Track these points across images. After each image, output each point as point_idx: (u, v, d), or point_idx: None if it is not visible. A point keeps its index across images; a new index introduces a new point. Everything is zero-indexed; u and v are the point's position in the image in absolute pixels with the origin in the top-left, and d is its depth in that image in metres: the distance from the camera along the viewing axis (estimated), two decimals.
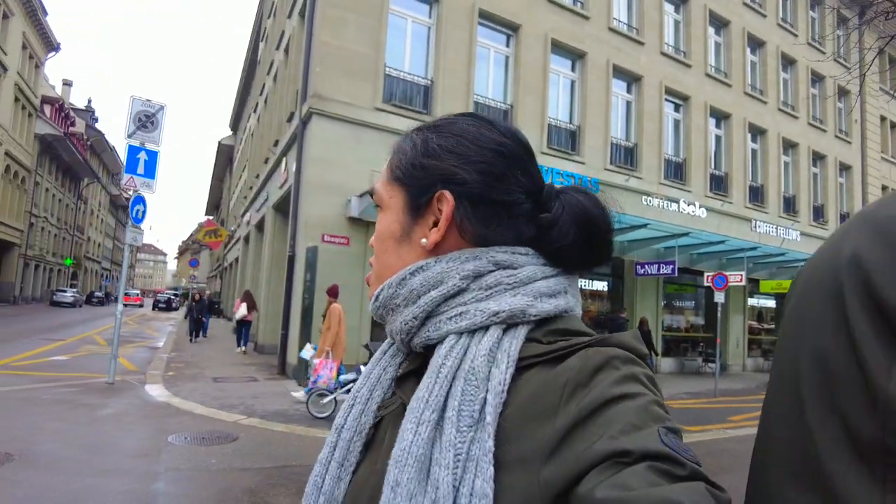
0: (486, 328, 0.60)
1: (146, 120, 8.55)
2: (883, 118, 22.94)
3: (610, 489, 0.43)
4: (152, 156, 8.61)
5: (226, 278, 39.87)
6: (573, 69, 13.97)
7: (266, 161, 16.17)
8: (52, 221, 44.33)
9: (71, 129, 44.58)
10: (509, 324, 0.60)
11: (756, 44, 18.29)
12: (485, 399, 0.54)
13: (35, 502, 3.77)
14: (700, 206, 15.33)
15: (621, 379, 0.51)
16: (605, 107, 14.02)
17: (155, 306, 47.90)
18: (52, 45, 37.71)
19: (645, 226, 11.87)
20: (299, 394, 7.93)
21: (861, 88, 17.65)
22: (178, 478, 4.51)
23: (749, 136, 17.57)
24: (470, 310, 0.61)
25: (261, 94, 20.26)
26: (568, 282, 0.67)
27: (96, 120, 56.77)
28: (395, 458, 0.54)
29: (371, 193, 0.74)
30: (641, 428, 0.47)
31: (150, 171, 8.55)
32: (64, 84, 49.43)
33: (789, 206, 18.65)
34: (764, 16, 18.40)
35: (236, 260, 29.73)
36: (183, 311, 49.69)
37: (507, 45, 12.91)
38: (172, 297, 50.33)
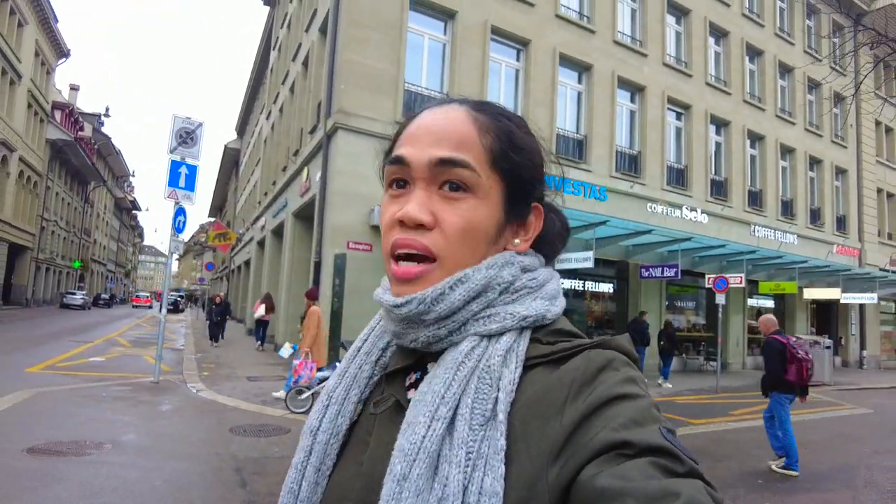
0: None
1: (186, 136, 9.20)
2: (878, 122, 23.57)
3: (611, 479, 0.46)
4: (192, 170, 9.26)
5: (233, 280, 40.44)
6: (580, 81, 14.62)
7: (284, 169, 16.80)
8: (62, 225, 44.96)
9: (80, 133, 45.22)
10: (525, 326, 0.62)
11: (754, 53, 18.95)
12: (496, 398, 0.55)
13: (144, 482, 4.41)
14: (701, 212, 15.98)
15: (623, 380, 0.54)
16: (611, 116, 14.67)
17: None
18: (62, 52, 38.33)
19: (650, 231, 12.54)
20: (279, 392, 8.21)
21: (856, 94, 18.27)
22: (254, 463, 5.15)
23: (748, 142, 18.23)
24: (500, 313, 0.62)
25: (274, 103, 20.88)
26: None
27: (102, 124, 57.32)
28: (405, 451, 0.53)
29: (455, 162, 0.62)
30: (642, 425, 0.49)
31: (191, 184, 9.20)
32: (71, 89, 49.96)
33: (787, 209, 19.31)
34: (762, 26, 19.06)
35: (246, 263, 30.36)
36: (189, 312, 50.44)
37: (518, 60, 13.56)
38: (179, 299, 50.85)
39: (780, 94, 19.71)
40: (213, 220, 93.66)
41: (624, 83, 15.19)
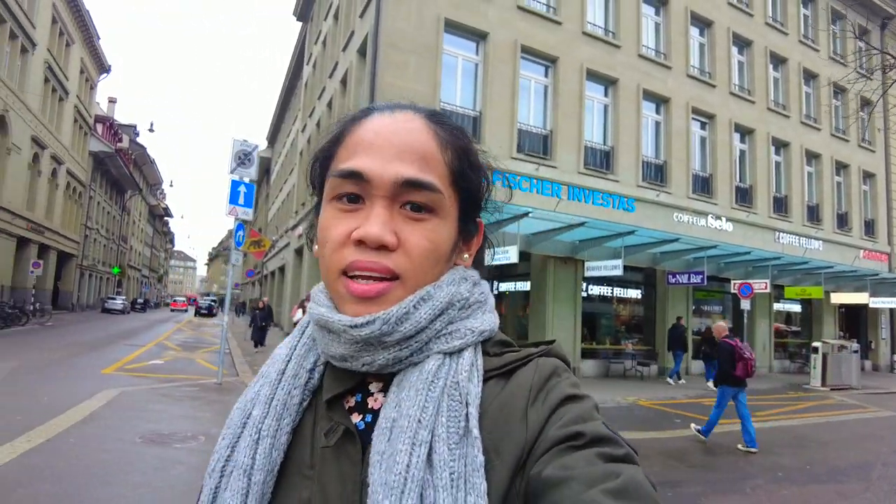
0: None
1: (244, 157, 10.05)
2: None
3: (556, 469, 0.49)
4: (249, 188, 10.10)
5: (265, 286, 41.67)
6: (606, 94, 15.18)
7: None
8: (102, 233, 46.81)
9: (118, 144, 47.06)
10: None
11: (778, 61, 19.26)
12: (467, 414, 0.55)
13: None
14: (726, 220, 16.38)
15: (571, 383, 0.59)
16: (636, 128, 15.19)
17: (197, 312, 50.02)
18: (103, 67, 40.06)
19: (676, 240, 13.05)
20: None
21: (883, 97, 18.49)
22: None
23: (773, 149, 18.54)
24: (460, 329, 0.62)
25: (310, 117, 21.82)
26: None
27: (137, 134, 59.35)
28: (389, 485, 0.51)
29: (423, 185, 0.60)
30: (588, 420, 0.54)
31: (249, 201, 10.04)
32: (109, 101, 51.97)
33: (813, 214, 19.53)
34: (786, 34, 19.35)
35: (280, 269, 31.46)
36: (223, 316, 51.90)
37: (546, 76, 14.19)
38: (213, 303, 52.36)
39: (805, 100, 19.95)
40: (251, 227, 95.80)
41: (649, 95, 15.69)
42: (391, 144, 0.60)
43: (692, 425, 7.52)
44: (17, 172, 25.58)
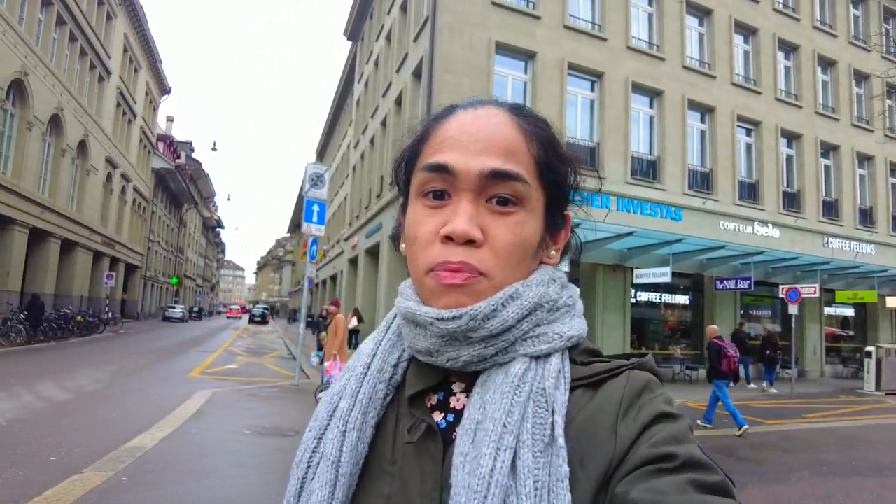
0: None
1: (317, 179, 11.02)
2: None
3: (644, 492, 0.47)
4: (322, 206, 11.06)
5: (316, 294, 43.18)
6: (651, 106, 15.62)
7: (378, 196, 18.61)
8: (163, 245, 49.47)
9: (177, 161, 49.73)
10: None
11: (826, 64, 19.22)
12: (553, 422, 0.54)
13: None
14: (773, 227, 16.51)
15: (665, 400, 0.56)
16: (682, 137, 15.56)
17: (251, 320, 52.10)
18: (165, 89, 42.56)
19: (723, 247, 13.38)
20: (321, 394, 9.69)
21: None
22: None
23: (821, 152, 18.51)
24: (548, 333, 0.61)
25: (363, 133, 22.90)
26: None
27: (193, 150, 62.32)
28: (472, 488, 0.50)
29: (509, 175, 0.60)
30: (682, 442, 0.52)
31: (321, 219, 11.00)
32: (168, 120, 54.92)
33: (866, 217, 19.33)
34: (835, 36, 19.30)
35: (332, 278, 32.78)
36: (273, 324, 53.97)
37: (593, 90, 14.76)
38: (265, 311, 54.42)
39: (857, 102, 19.80)
40: (288, 235, 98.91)
41: (694, 105, 16.03)
42: (476, 139, 0.60)
43: (736, 433, 7.99)
44: (94, 191, 27.67)
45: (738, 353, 8.48)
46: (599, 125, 14.56)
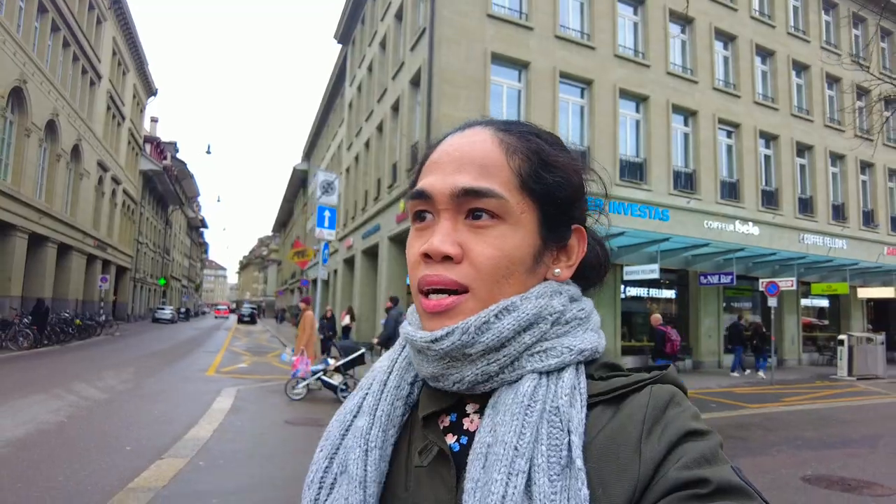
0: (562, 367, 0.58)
1: (327, 186, 11.63)
2: None
3: None
4: (332, 212, 11.68)
5: (306, 293, 43.56)
6: (637, 110, 16.45)
7: (376, 199, 19.22)
8: (150, 246, 49.46)
9: (163, 162, 49.69)
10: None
11: (801, 67, 20.25)
12: (569, 442, 0.52)
13: None
14: (753, 225, 17.49)
15: (692, 416, 0.54)
16: (667, 140, 16.41)
17: (240, 320, 52.28)
18: (151, 91, 42.55)
19: (706, 245, 14.27)
20: (296, 390, 9.39)
21: None
22: None
23: (797, 152, 19.54)
24: (556, 347, 0.59)
25: (357, 136, 23.46)
26: None
27: (178, 150, 62.14)
28: None
29: (479, 192, 0.59)
30: (714, 463, 0.49)
31: (332, 224, 11.61)
32: (152, 120, 54.74)
33: (838, 213, 20.43)
34: (808, 41, 20.33)
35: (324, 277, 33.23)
36: (264, 322, 54.22)
37: (582, 97, 15.54)
38: (254, 310, 54.58)
39: (829, 104, 20.88)
40: (272, 234, 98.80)
41: (678, 109, 16.90)
42: (452, 160, 0.61)
43: None
44: (87, 195, 27.84)
45: (679, 338, 10.22)
46: (589, 130, 15.35)
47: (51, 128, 22.39)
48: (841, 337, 16.02)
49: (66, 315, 21.36)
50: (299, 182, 51.36)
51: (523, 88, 14.58)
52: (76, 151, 25.69)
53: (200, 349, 19.86)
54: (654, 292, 16.71)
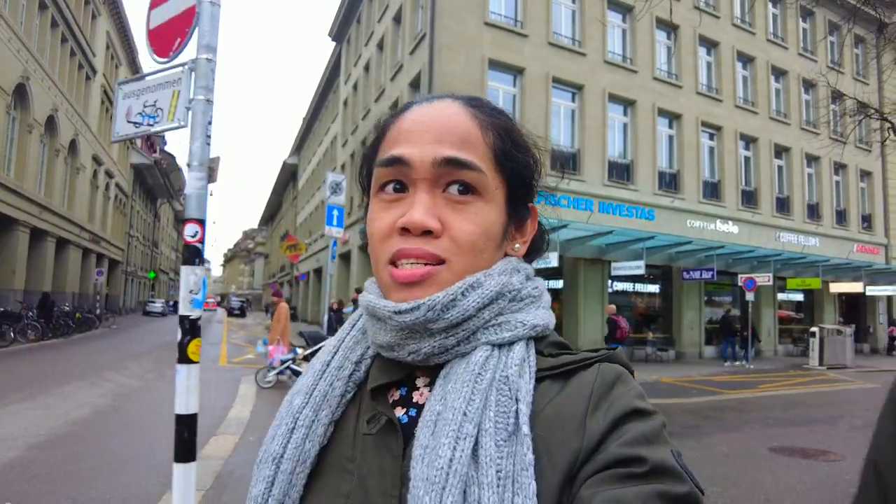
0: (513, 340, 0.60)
1: (336, 187, 12.29)
2: None
3: (608, 502, 0.46)
4: (340, 211, 12.34)
5: (296, 286, 44.07)
6: (625, 114, 17.31)
7: None
8: (140, 239, 49.57)
9: (153, 155, 49.72)
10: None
11: (779, 73, 21.26)
12: (517, 410, 0.54)
13: None
14: (733, 223, 18.49)
15: (638, 395, 0.55)
16: (652, 142, 17.30)
17: (230, 313, 52.49)
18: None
19: (689, 242, 15.20)
20: (268, 378, 9.93)
21: (880, 102, 20.47)
22: None
23: (775, 154, 20.57)
24: (510, 321, 0.61)
25: (353, 134, 24.07)
26: None
27: (165, 143, 61.97)
28: (430, 480, 0.50)
29: (463, 163, 0.60)
30: (654, 443, 0.50)
31: (340, 223, 12.28)
32: None
33: (813, 212, 21.54)
34: (786, 48, 21.32)
35: (316, 271, 33.85)
36: (253, 315, 54.55)
37: (573, 101, 16.35)
38: (243, 303, 54.76)
39: (805, 108, 21.93)
40: (255, 227, 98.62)
41: (663, 112, 17.79)
42: (430, 129, 0.61)
43: None
44: (83, 189, 28.13)
45: (628, 327, 12.91)
46: (580, 133, 16.16)
47: (50, 123, 22.70)
48: (813, 329, 17.08)
49: (67, 308, 21.79)
50: (289, 176, 51.73)
51: (518, 93, 15.34)
52: (73, 146, 25.98)
53: (204, 341, 20.39)
54: (640, 287, 17.64)
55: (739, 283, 16.28)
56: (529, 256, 0.71)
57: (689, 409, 9.00)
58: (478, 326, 0.59)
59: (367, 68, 22.41)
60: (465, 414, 0.52)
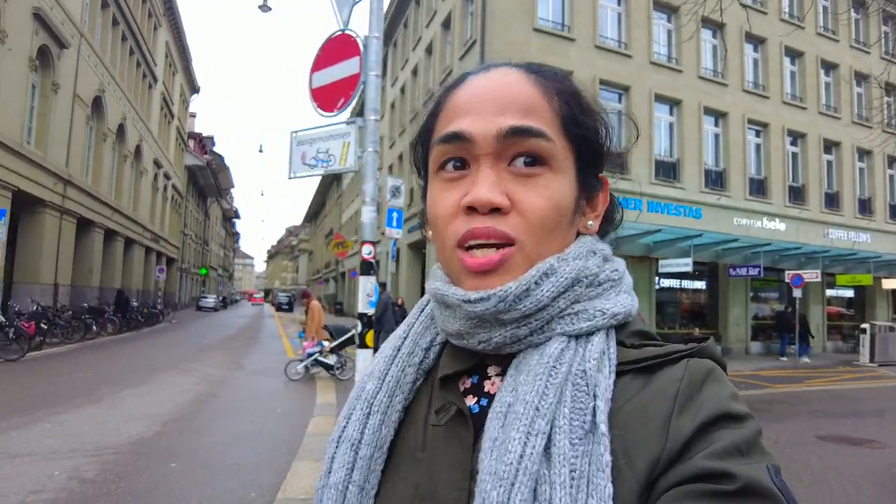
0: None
1: (395, 191, 13.08)
2: None
3: None
4: (399, 213, 13.13)
5: (340, 282, 45.46)
6: (671, 113, 17.58)
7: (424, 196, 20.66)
8: (193, 237, 51.81)
9: (204, 156, 51.89)
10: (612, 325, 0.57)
11: (829, 66, 21.05)
12: (594, 407, 0.50)
13: None
14: (780, 220, 18.55)
15: (730, 395, 0.51)
16: (698, 141, 17.52)
17: (279, 308, 54.53)
18: (195, 88, 44.53)
19: (736, 240, 15.45)
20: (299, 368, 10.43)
21: None
22: None
23: (823, 149, 20.43)
24: (588, 309, 0.57)
25: (399, 136, 24.91)
26: None
27: (214, 144, 64.33)
28: (499, 475, 0.47)
29: (529, 131, 0.56)
30: (747, 455, 0.46)
31: (399, 224, 13.07)
32: (190, 116, 56.89)
33: (864, 207, 21.28)
34: (837, 41, 21.08)
35: None
36: (298, 311, 56.33)
37: (620, 102, 16.72)
38: (290, 298, 56.88)
39: (857, 101, 21.64)
40: (299, 224, 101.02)
41: (709, 111, 17.97)
42: (490, 100, 0.57)
43: None
44: (146, 191, 29.86)
45: (646, 323, 12.72)
46: (627, 133, 16.49)
47: (120, 131, 24.26)
48: (863, 325, 17.06)
49: (135, 304, 23.36)
50: (333, 176, 53.19)
51: None
52: (138, 151, 27.63)
53: (262, 335, 21.66)
54: (686, 283, 17.91)
55: (786, 280, 16.40)
56: (602, 233, 0.67)
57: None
58: (552, 316, 0.56)
59: (414, 72, 23.17)
60: (537, 409, 0.50)
